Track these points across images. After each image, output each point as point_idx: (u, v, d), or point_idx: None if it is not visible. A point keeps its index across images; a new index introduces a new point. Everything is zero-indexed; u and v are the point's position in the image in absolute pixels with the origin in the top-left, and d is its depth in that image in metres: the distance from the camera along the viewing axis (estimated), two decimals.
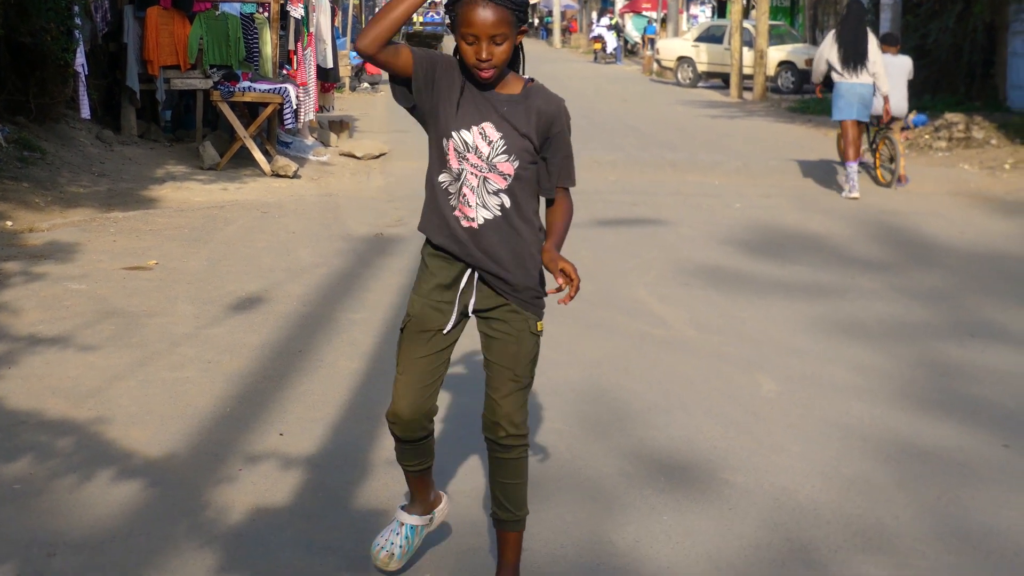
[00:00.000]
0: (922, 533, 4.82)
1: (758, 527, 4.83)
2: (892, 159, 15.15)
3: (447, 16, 3.94)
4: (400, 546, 4.27)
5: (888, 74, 14.55)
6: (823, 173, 16.25)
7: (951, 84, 23.15)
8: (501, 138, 3.91)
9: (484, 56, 3.81)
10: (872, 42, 14.27)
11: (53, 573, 4.30)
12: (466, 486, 5.17)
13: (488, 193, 3.94)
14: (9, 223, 10.47)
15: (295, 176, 14.33)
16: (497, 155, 3.92)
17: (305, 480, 5.20)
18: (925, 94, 22.96)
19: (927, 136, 18.98)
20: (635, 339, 7.64)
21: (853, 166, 14.28)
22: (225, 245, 10.19)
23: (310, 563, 4.42)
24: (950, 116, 19.28)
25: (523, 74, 4.04)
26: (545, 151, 3.98)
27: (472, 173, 3.94)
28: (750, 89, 30.37)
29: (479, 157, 3.92)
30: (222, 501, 4.96)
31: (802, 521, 4.90)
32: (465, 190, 3.95)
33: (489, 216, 3.96)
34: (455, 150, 3.93)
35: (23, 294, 8.20)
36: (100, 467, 5.26)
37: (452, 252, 4.00)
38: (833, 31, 14.76)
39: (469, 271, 4.02)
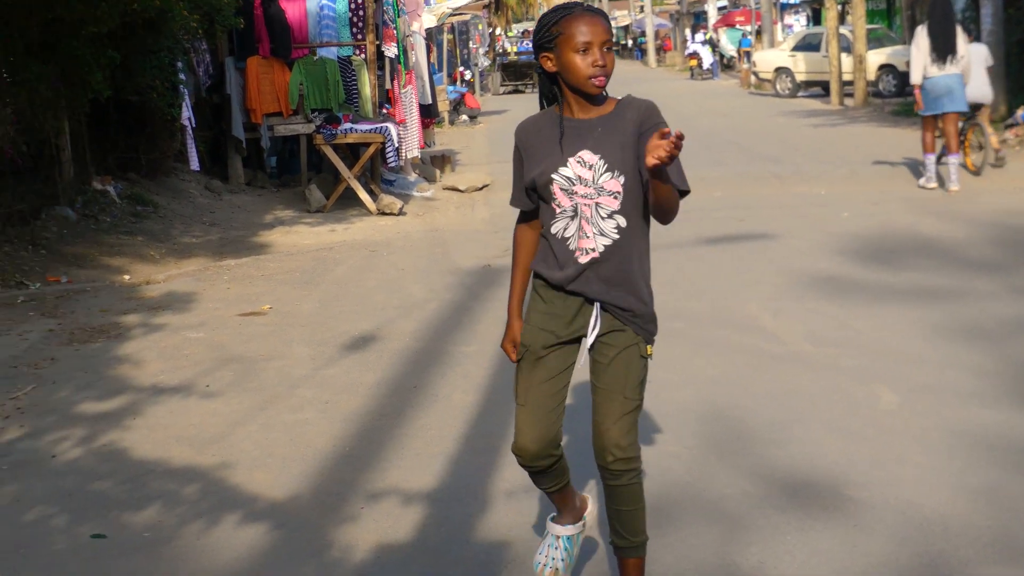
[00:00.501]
0: None
1: (885, 543, 4.76)
2: (981, 147, 15.45)
3: (541, 41, 3.96)
4: (562, 560, 4.28)
5: (973, 63, 14.78)
6: (932, 174, 15.99)
7: None
8: (600, 159, 3.93)
9: (601, 61, 3.86)
10: (960, 34, 14.44)
11: None
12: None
13: (603, 219, 3.95)
14: (127, 276, 10.71)
15: (401, 213, 14.47)
16: (601, 175, 3.93)
17: (427, 515, 5.24)
18: None
19: None
20: (750, 356, 7.59)
21: (954, 158, 14.50)
22: (336, 286, 10.32)
23: None
24: None
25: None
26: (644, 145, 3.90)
27: (585, 204, 3.95)
28: (851, 95, 30.02)
29: (585, 185, 3.94)
30: (346, 540, 5.01)
31: (930, 535, 4.82)
32: (583, 223, 3.97)
33: (608, 242, 3.97)
34: (562, 189, 3.96)
35: (144, 345, 8.38)
36: (226, 512, 5.36)
37: (572, 290, 4.03)
38: (921, 27, 14.82)
39: (588, 303, 4.04)
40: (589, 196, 3.95)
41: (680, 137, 3.53)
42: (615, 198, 3.94)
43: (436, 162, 18.94)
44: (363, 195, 14.65)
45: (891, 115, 25.86)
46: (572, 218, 3.99)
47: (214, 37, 15.25)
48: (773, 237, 11.89)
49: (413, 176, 17.35)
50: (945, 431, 6.02)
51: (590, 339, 4.05)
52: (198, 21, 13.82)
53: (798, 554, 4.68)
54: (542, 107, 4.11)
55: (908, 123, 23.77)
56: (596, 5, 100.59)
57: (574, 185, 3.95)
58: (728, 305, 8.99)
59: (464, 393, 7.03)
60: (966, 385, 6.78)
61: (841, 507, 5.13)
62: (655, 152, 3.55)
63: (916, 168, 16.62)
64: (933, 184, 14.78)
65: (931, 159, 14.91)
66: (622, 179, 3.93)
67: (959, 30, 14.45)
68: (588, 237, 3.97)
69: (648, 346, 4.09)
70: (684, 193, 3.90)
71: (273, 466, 5.93)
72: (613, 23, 69.77)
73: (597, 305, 4.03)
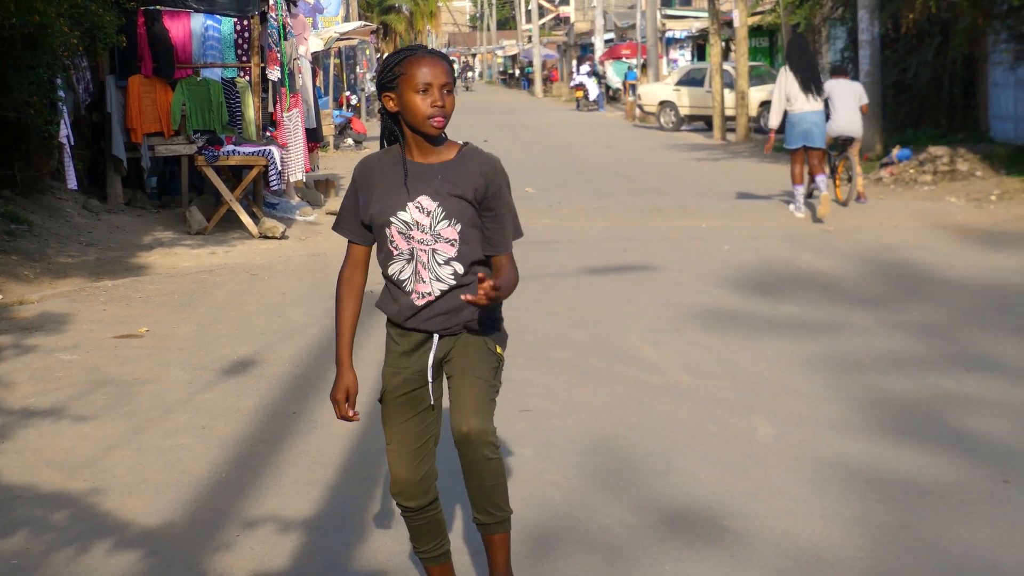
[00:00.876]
0: (925, 573, 4.79)
1: (760, 573, 4.80)
2: (850, 179, 16.36)
3: (384, 81, 4.05)
4: None
5: (843, 99, 15.83)
6: (811, 210, 16.29)
7: (933, 117, 23.27)
8: (438, 206, 4.02)
9: (440, 102, 3.94)
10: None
11: None
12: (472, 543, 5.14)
13: (439, 265, 4.06)
14: None
15: (283, 237, 14.34)
16: (438, 223, 4.02)
17: (303, 543, 5.17)
18: (907, 128, 23.11)
19: (912, 170, 19.05)
20: (630, 387, 7.63)
21: (800, 188, 15.61)
22: (216, 309, 10.19)
23: None
24: (934, 149, 19.37)
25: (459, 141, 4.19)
26: (486, 212, 4.05)
27: (421, 249, 4.04)
28: (733, 130, 30.49)
29: (422, 231, 4.03)
30: (220, 568, 4.93)
31: (804, 565, 4.87)
32: (419, 267, 4.06)
33: (444, 287, 4.08)
34: (399, 232, 4.05)
35: (15, 367, 8.18)
36: (97, 539, 5.24)
37: (413, 328, 4.11)
38: (784, 68, 15.49)
39: (430, 336, 4.12)
40: (426, 242, 4.04)
41: (496, 288, 3.80)
42: (452, 245, 4.05)
43: (320, 186, 18.83)
44: (245, 218, 14.49)
45: (775, 151, 26.25)
46: (408, 261, 4.07)
47: (95, 55, 14.95)
48: (655, 269, 12.00)
49: (296, 200, 17.21)
50: (820, 463, 6.10)
51: (431, 363, 4.12)
52: (79, 38, 13.55)
53: None
54: (382, 146, 4.19)
55: (787, 159, 24.15)
56: (482, 34, 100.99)
57: (411, 230, 4.04)
58: (610, 335, 9.04)
59: (343, 421, 6.95)
60: (841, 418, 6.88)
61: (718, 538, 5.17)
62: (475, 299, 3.80)
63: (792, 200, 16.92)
64: (802, 214, 15.50)
65: (800, 189, 15.61)
66: (459, 227, 4.04)
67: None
68: (424, 282, 4.06)
69: (497, 346, 4.17)
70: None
71: (147, 492, 5.82)
72: (501, 52, 70.30)
73: (435, 337, 4.11)
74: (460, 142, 4.15)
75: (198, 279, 11.63)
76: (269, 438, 6.65)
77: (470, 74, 78.43)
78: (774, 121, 15.47)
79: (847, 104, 15.87)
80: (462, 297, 3.88)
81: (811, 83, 15.00)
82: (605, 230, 14.86)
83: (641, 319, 9.61)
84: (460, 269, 4.05)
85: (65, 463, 6.24)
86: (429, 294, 4.06)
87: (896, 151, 20.09)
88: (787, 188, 17.88)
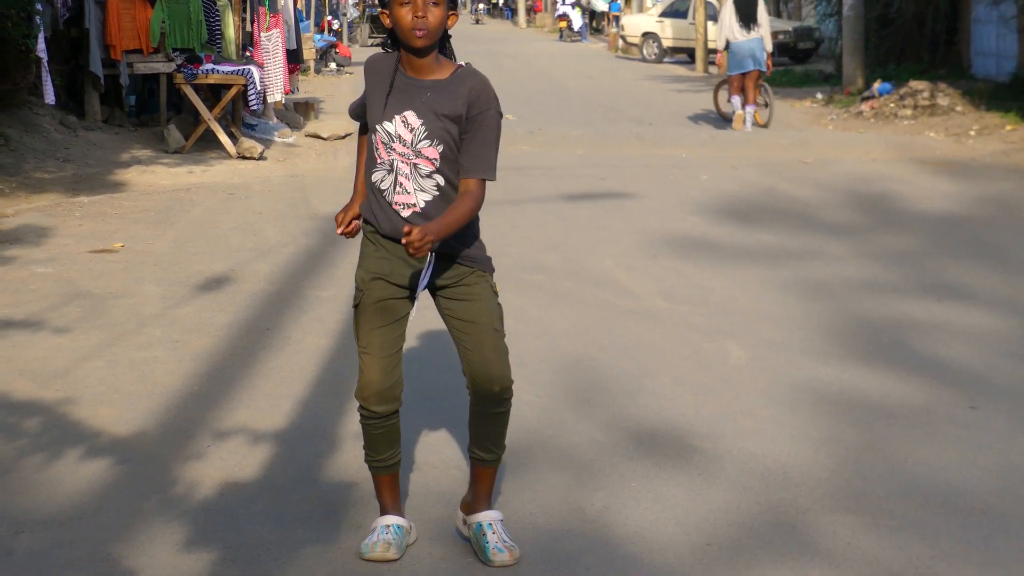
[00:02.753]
0: (889, 493, 4.84)
1: (726, 491, 4.85)
2: (767, 104, 18.26)
3: (382, 2, 4.07)
4: (392, 541, 4.25)
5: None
6: (790, 143, 16.30)
7: (915, 53, 23.19)
8: (422, 124, 4.03)
9: (420, 13, 3.93)
10: (761, 6, 17.30)
11: (21, 550, 4.30)
12: (434, 458, 5.18)
13: (422, 177, 4.07)
14: None
15: (261, 158, 14.28)
16: (420, 141, 4.04)
17: (274, 454, 5.20)
18: (890, 63, 23.03)
19: (892, 105, 19.01)
20: (603, 310, 7.65)
21: (737, 99, 17.50)
22: (191, 227, 10.16)
23: (280, 535, 4.41)
24: (914, 84, 19.33)
25: (456, 61, 4.17)
26: (465, 132, 4.04)
27: (402, 161, 4.06)
28: (715, 63, 30.35)
29: (404, 145, 4.05)
30: (191, 477, 4.96)
31: (771, 484, 4.92)
32: (400, 178, 4.07)
33: (428, 197, 4.08)
34: (382, 142, 4.08)
35: None
36: (68, 446, 5.25)
37: (398, 242, 4.04)
38: (730, 1, 17.63)
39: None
40: (407, 156, 4.06)
41: (423, 236, 3.80)
42: (432, 163, 4.06)
43: (300, 109, 18.71)
44: (223, 137, 14.42)
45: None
46: (388, 172, 4.09)
47: None
48: (632, 196, 12.00)
49: (275, 121, 17.12)
50: (790, 386, 6.15)
51: (423, 283, 4.10)
52: None
53: (642, 500, 4.75)
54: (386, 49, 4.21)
55: None
56: None
57: (393, 142, 4.06)
58: (584, 260, 9.05)
59: (317, 336, 6.98)
60: (813, 343, 6.93)
61: (686, 457, 5.21)
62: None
63: (774, 134, 16.94)
64: (740, 111, 17.42)
65: (737, 99, 17.53)
66: (440, 148, 4.05)
67: (760, 3, 17.27)
68: (408, 192, 4.07)
69: (495, 282, 4.22)
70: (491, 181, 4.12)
71: (119, 402, 5.83)
72: None
73: (432, 254, 4.06)
74: (460, 63, 4.13)
75: (175, 197, 11.59)
76: (242, 353, 6.67)
77: (481, 6, 75.09)
78: (720, 44, 17.82)
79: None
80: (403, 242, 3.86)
81: (748, 17, 17.12)
82: (583, 157, 14.83)
83: (616, 245, 9.62)
84: (442, 181, 4.06)
85: (38, 373, 6.24)
86: (413, 205, 4.06)
87: (877, 85, 20.05)
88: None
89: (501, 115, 4.11)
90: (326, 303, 7.72)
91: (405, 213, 4.07)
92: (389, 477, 4.34)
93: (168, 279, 8.27)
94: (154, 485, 4.87)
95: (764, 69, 17.36)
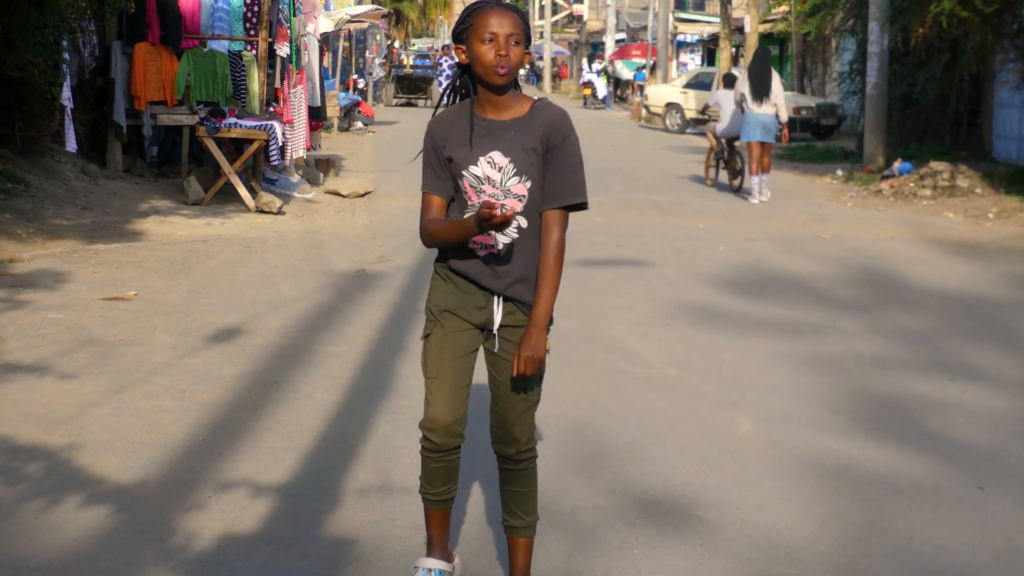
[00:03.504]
0: (893, 572, 4.79)
1: (728, 563, 4.80)
2: (740, 171, 19.23)
3: (457, 32, 4.09)
4: None
5: (729, 106, 19.00)
6: (808, 218, 16.30)
7: (937, 133, 23.23)
8: (510, 162, 4.05)
9: (503, 51, 3.97)
10: (775, 80, 17.95)
11: None
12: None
13: None
14: None
15: (279, 212, 14.33)
16: (509, 179, 4.06)
17: (275, 508, 5.17)
18: (911, 142, 23.06)
19: (912, 184, 19.03)
20: (614, 377, 7.63)
21: (756, 179, 18.00)
22: (206, 278, 10.18)
23: None
24: (935, 164, 19.35)
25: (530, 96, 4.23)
26: (549, 160, 4.07)
27: None
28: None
29: (494, 186, 4.06)
30: (191, 527, 4.92)
31: (773, 558, 4.87)
32: None
33: (507, 240, 4.09)
34: (471, 187, 4.08)
35: (1, 322, 8.17)
36: (69, 492, 5.23)
37: (474, 280, 4.12)
38: (743, 72, 18.65)
39: (492, 296, 4.15)
40: (496, 197, 4.06)
41: (531, 357, 3.99)
42: (520, 201, 4.07)
43: (321, 165, 18.83)
44: (242, 191, 14.49)
45: (775, 157, 26.22)
46: (474, 211, 4.07)
47: (103, 19, 14.90)
48: (648, 265, 12.00)
49: (296, 177, 17.21)
50: (797, 460, 6.11)
51: (495, 326, 4.15)
52: (87, 1, 13.57)
53: (643, 568, 4.70)
54: (449, 100, 4.22)
55: (790, 167, 24.20)
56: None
57: (482, 184, 4.06)
58: (598, 327, 9.04)
59: (326, 391, 6.96)
60: (822, 417, 6.89)
61: (690, 527, 5.17)
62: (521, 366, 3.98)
63: (793, 209, 16.96)
64: (756, 199, 17.97)
65: (754, 179, 18.08)
66: (528, 184, 4.07)
67: (775, 76, 17.93)
68: (490, 234, 4.05)
69: (549, 340, 4.18)
70: (582, 206, 4.13)
71: (122, 450, 5.81)
72: None
73: (500, 299, 4.13)
74: (535, 97, 4.18)
75: (191, 248, 11.62)
76: (249, 405, 6.65)
77: (521, 72, 72.36)
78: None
79: (730, 111, 18.98)
80: (514, 375, 4.02)
81: (762, 90, 17.78)
82: (601, 224, 14.85)
83: (630, 312, 9.61)
84: (524, 223, 4.08)
85: (43, 418, 6.23)
86: (492, 246, 4.08)
87: (898, 164, 20.08)
88: (788, 196, 17.95)
89: (578, 141, 4.14)
90: (337, 358, 7.71)
91: (481, 252, 4.10)
92: (441, 512, 4.33)
93: (179, 329, 8.27)
94: (153, 535, 4.84)
95: (773, 141, 18.08)
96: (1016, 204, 17.22)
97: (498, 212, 3.78)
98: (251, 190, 14.98)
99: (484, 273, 4.11)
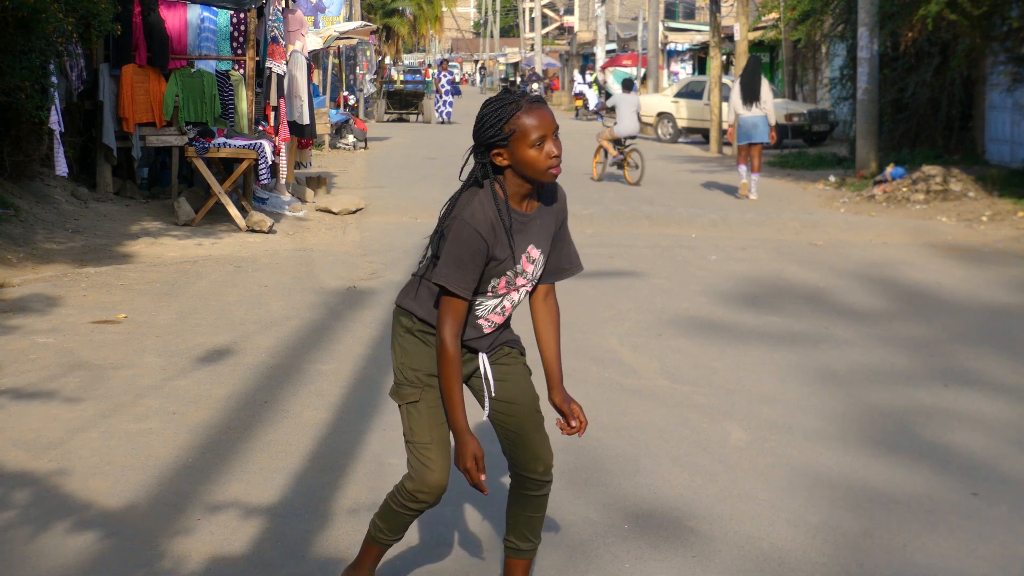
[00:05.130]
0: None
1: (720, 574, 4.77)
2: (638, 166, 21.85)
3: (494, 140, 3.89)
4: None
5: (626, 108, 21.65)
6: (801, 225, 16.29)
7: (929, 137, 23.23)
8: (541, 253, 4.07)
9: (557, 151, 3.88)
10: (765, 86, 19.31)
11: None
12: (429, 536, 5.11)
13: (522, 296, 4.16)
14: None
15: (270, 231, 14.30)
16: (539, 269, 4.09)
17: (264, 529, 5.13)
18: (903, 147, 23.06)
19: (904, 189, 19.02)
20: (605, 388, 7.59)
21: (743, 168, 19.57)
22: (196, 299, 10.15)
23: None
24: (927, 169, 19.34)
25: None
26: (556, 237, 4.14)
27: (516, 291, 4.10)
28: (729, 144, 30.44)
29: (526, 278, 4.08)
30: (179, 551, 4.89)
31: (766, 569, 4.84)
32: (506, 303, 4.11)
33: (507, 315, 4.20)
34: (507, 282, 4.05)
35: None
36: (57, 518, 5.20)
37: (466, 347, 4.12)
38: (735, 79, 20.63)
39: (479, 355, 4.17)
40: (524, 287, 4.10)
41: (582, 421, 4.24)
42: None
43: (311, 183, 18.79)
44: (232, 211, 14.45)
45: (767, 165, 26.22)
46: (496, 298, 4.08)
47: (90, 42, 14.83)
48: (640, 275, 11.97)
49: (287, 196, 17.18)
50: (790, 470, 6.08)
51: (487, 375, 4.15)
52: (73, 24, 13.51)
53: None
54: (465, 186, 4.00)
55: (782, 174, 24.19)
56: (485, 41, 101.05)
57: (518, 278, 4.05)
58: (589, 339, 9.01)
59: (315, 410, 6.93)
60: (815, 427, 6.86)
61: (682, 539, 5.14)
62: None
63: (785, 217, 16.95)
64: (744, 180, 19.61)
65: (742, 168, 19.64)
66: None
67: (764, 82, 19.25)
68: (502, 315, 4.13)
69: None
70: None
71: (111, 474, 5.78)
72: (503, 59, 68.67)
73: (484, 357, 4.15)
74: None
75: (181, 269, 11.59)
76: (239, 425, 6.62)
77: (535, 86, 61.79)
78: (730, 119, 19.77)
79: (629, 112, 21.62)
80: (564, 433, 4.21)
81: (751, 95, 19.16)
82: (592, 236, 14.82)
83: (622, 324, 9.58)
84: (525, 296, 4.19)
85: (32, 443, 6.20)
86: (499, 322, 4.15)
87: (890, 169, 20.07)
88: (780, 204, 17.95)
89: None
90: (327, 376, 7.68)
91: (488, 329, 4.12)
92: (380, 551, 4.33)
93: (169, 351, 8.24)
94: (141, 559, 4.81)
95: (767, 141, 19.39)
96: (1010, 207, 17.21)
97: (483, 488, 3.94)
98: (242, 209, 14.95)
99: (480, 342, 4.14)
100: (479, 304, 4.06)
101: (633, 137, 22.13)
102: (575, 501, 5.56)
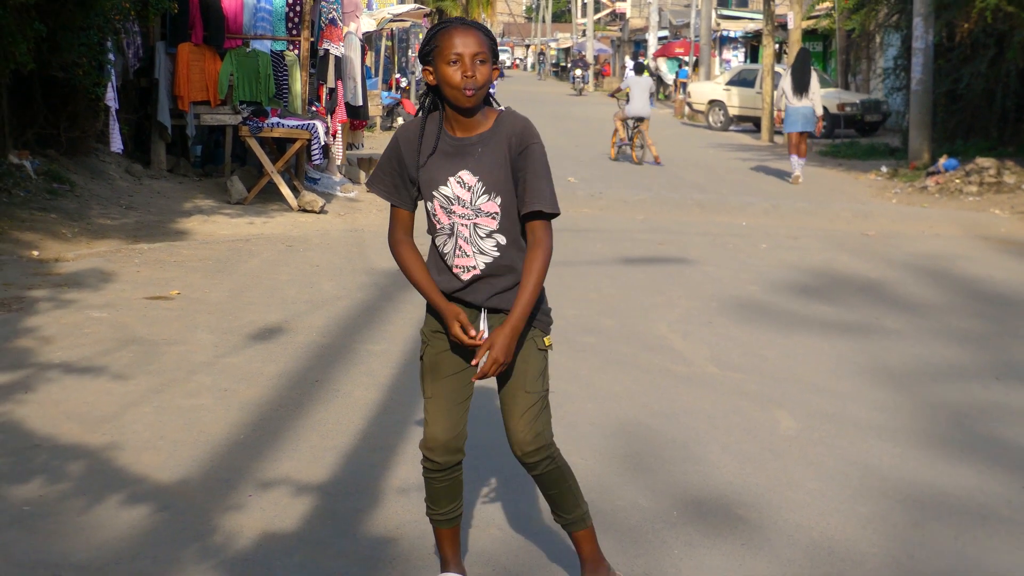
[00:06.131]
0: (937, 572, 4.74)
1: (770, 563, 4.76)
2: (643, 147, 23.46)
3: (423, 55, 4.02)
4: None
5: (638, 90, 23.30)
6: (853, 215, 16.19)
7: (983, 129, 23.00)
8: (479, 180, 4.00)
9: (470, 72, 3.91)
10: (814, 77, 20.47)
11: None
12: (472, 517, 5.13)
13: (481, 238, 4.03)
14: (36, 252, 10.52)
15: (322, 211, 14.37)
16: (479, 197, 4.01)
17: (315, 507, 5.17)
18: (957, 139, 22.87)
19: (957, 180, 18.87)
20: (655, 375, 7.59)
21: (795, 158, 20.62)
22: (248, 277, 10.21)
23: None
24: (981, 161, 19.17)
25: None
26: (517, 171, 4.02)
27: (462, 224, 4.03)
28: (781, 133, 30.27)
29: (463, 205, 4.01)
30: (231, 526, 4.93)
31: (815, 558, 4.83)
32: (460, 242, 4.04)
33: (488, 259, 4.05)
34: (441, 207, 4.04)
35: (45, 321, 8.23)
36: (110, 491, 5.25)
37: (459, 299, 4.09)
38: (787, 69, 21.95)
39: (478, 310, 4.10)
40: (467, 216, 4.02)
41: (496, 359, 3.92)
42: (493, 219, 4.03)
43: (363, 164, 18.85)
44: (285, 190, 14.53)
45: (819, 154, 26.11)
46: (449, 236, 4.06)
47: (147, 20, 14.95)
48: (690, 262, 11.95)
49: (338, 176, 17.25)
50: (840, 460, 6.05)
51: (483, 331, 4.07)
52: (131, 2, 13.64)
53: (684, 568, 4.67)
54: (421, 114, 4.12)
55: (834, 163, 24.05)
56: (536, 26, 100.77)
57: (452, 204, 4.02)
58: (639, 324, 9.00)
59: (366, 390, 6.96)
60: (865, 417, 6.82)
61: (731, 526, 5.13)
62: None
63: (838, 207, 16.86)
64: (798, 172, 20.61)
65: (794, 158, 20.68)
66: (499, 200, 4.02)
67: (813, 74, 20.47)
68: (468, 256, 4.04)
69: (546, 337, 4.15)
70: (554, 215, 4.03)
71: (163, 449, 5.83)
72: (554, 45, 67.98)
73: (484, 311, 4.08)
74: (499, 108, 4.11)
75: (233, 247, 11.67)
76: (290, 404, 6.66)
77: (579, 72, 59.93)
78: (781, 104, 20.88)
79: (641, 94, 23.18)
80: (472, 380, 3.96)
81: (802, 86, 20.26)
82: (643, 222, 14.80)
83: (672, 310, 9.56)
84: (502, 240, 4.03)
85: (86, 416, 6.26)
86: (474, 267, 4.04)
87: (943, 160, 19.92)
88: (832, 195, 17.85)
89: (543, 150, 4.04)
90: (377, 357, 7.71)
91: (465, 276, 4.05)
92: (450, 531, 4.31)
93: (221, 328, 8.30)
94: (193, 533, 4.85)
95: (813, 131, 20.55)
96: None
97: (480, 362, 3.91)
98: (294, 189, 15.03)
99: (468, 291, 4.07)
100: (437, 239, 4.08)
101: (642, 119, 23.36)
102: (625, 487, 5.56)
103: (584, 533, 4.28)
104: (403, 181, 4.08)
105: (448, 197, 4.01)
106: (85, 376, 6.99)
